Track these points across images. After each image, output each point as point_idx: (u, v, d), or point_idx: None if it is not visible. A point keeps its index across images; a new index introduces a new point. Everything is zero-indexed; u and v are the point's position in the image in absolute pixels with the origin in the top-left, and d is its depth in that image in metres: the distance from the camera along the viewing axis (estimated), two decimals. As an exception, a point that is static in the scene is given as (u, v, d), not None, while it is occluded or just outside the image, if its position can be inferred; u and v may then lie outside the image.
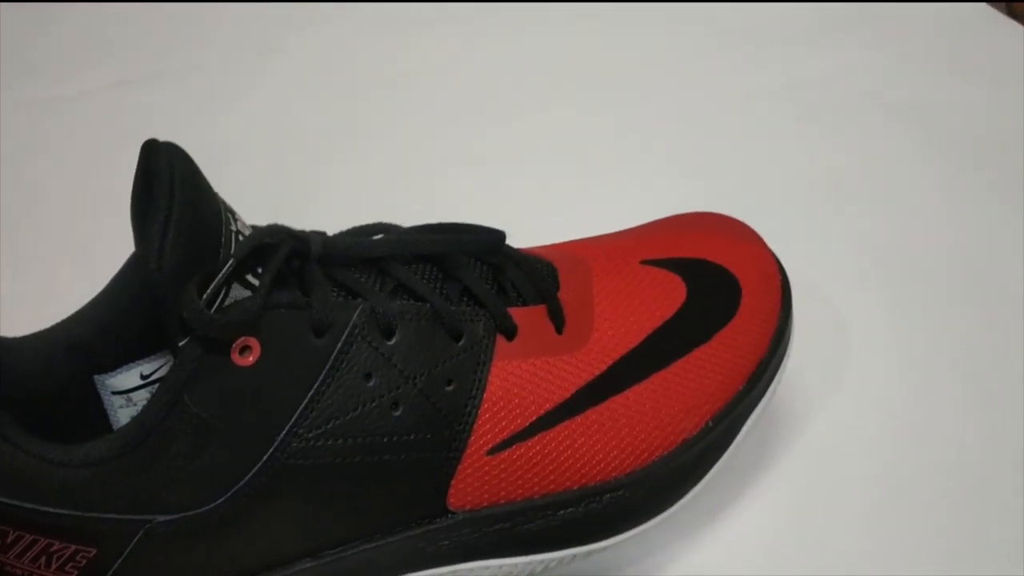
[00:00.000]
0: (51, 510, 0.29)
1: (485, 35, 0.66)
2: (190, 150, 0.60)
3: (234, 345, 0.30)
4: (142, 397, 0.37)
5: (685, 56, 0.62)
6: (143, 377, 0.37)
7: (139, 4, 0.71)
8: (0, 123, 0.61)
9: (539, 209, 0.52)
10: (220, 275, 0.29)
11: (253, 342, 0.30)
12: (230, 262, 0.29)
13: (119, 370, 0.36)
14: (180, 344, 0.29)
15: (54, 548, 0.30)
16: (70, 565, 0.31)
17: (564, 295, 0.37)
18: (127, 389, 0.37)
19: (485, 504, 0.34)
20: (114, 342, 0.36)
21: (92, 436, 0.36)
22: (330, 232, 0.36)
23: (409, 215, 0.47)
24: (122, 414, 0.37)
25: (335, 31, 0.67)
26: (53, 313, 0.35)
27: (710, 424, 0.36)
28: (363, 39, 0.66)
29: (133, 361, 0.37)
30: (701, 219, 0.42)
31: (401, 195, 0.54)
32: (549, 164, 0.56)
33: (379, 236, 0.35)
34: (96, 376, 0.36)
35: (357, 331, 0.32)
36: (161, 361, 0.37)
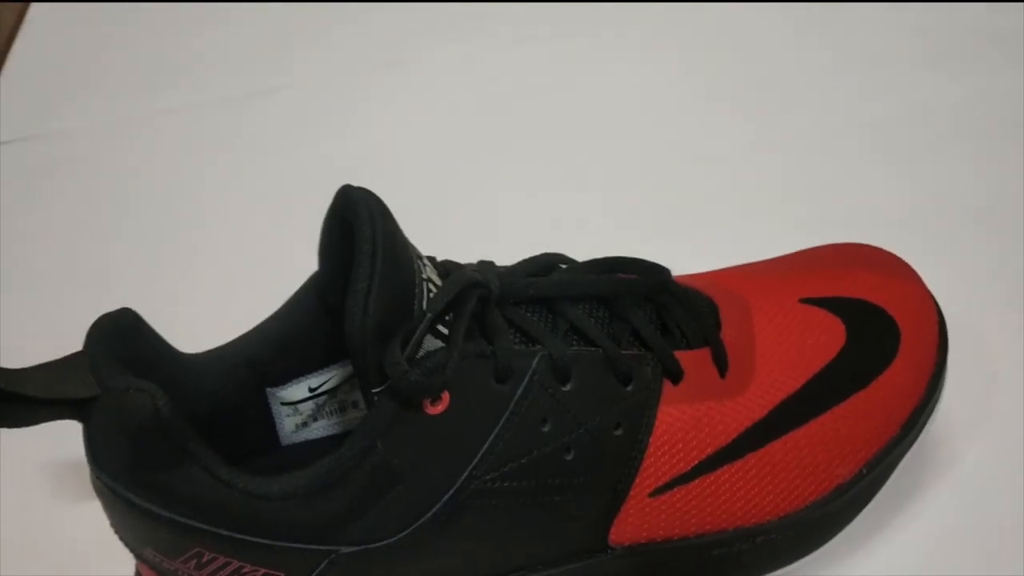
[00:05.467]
0: (246, 538, 0.31)
1: (609, 52, 0.65)
2: (317, 160, 0.61)
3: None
4: (308, 408, 0.39)
5: (822, 79, 0.61)
6: (311, 390, 0.39)
7: (270, 8, 0.71)
8: (153, 129, 0.64)
9: (672, 229, 0.52)
10: (418, 332, 0.30)
11: (444, 393, 0.31)
12: (427, 318, 0.30)
13: (290, 384, 0.38)
14: (374, 391, 0.30)
15: (246, 570, 0.32)
16: (258, 585, 0.32)
17: (727, 336, 0.37)
18: (295, 401, 0.38)
19: (643, 540, 0.35)
20: (286, 358, 0.37)
21: (256, 442, 0.38)
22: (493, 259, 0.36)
23: (539, 230, 0.47)
24: (288, 423, 0.39)
25: (461, 41, 0.67)
26: (223, 326, 0.37)
27: (863, 471, 0.37)
28: (489, 50, 0.66)
29: (302, 375, 0.38)
30: (855, 252, 0.42)
31: (533, 209, 0.54)
32: (679, 182, 0.56)
33: (550, 277, 0.36)
34: (268, 389, 0.38)
35: (536, 378, 0.33)
36: (328, 375, 0.38)
